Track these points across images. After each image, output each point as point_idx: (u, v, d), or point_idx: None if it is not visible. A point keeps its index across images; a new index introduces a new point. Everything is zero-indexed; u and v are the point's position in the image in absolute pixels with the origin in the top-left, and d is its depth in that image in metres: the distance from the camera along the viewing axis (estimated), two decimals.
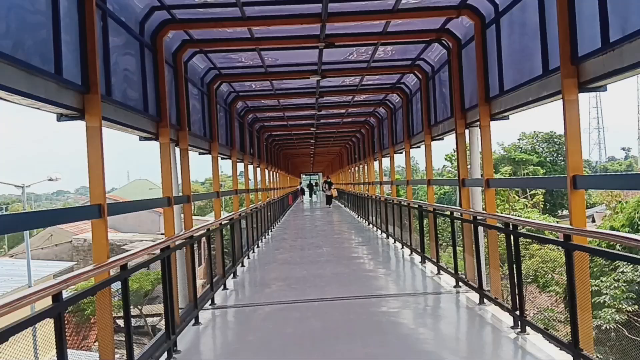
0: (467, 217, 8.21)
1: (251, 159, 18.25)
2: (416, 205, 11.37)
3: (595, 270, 20.10)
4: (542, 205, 44.54)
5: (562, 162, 63.72)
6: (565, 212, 54.39)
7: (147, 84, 7.58)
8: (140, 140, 7.98)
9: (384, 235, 15.75)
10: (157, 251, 5.66)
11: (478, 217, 7.73)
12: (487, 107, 8.30)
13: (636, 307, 16.06)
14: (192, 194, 9.44)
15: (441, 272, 9.44)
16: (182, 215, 8.99)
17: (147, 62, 7.72)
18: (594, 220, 54.70)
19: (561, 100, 5.63)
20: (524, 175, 49.55)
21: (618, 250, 8.34)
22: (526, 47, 6.95)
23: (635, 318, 15.90)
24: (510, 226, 5.97)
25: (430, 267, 10.15)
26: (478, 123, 8.73)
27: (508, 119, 8.20)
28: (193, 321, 6.90)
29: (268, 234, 18.13)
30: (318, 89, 13.98)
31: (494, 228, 6.94)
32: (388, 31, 9.44)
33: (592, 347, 4.73)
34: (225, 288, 9.21)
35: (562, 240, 4.84)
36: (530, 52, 6.77)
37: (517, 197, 37.74)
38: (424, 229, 10.69)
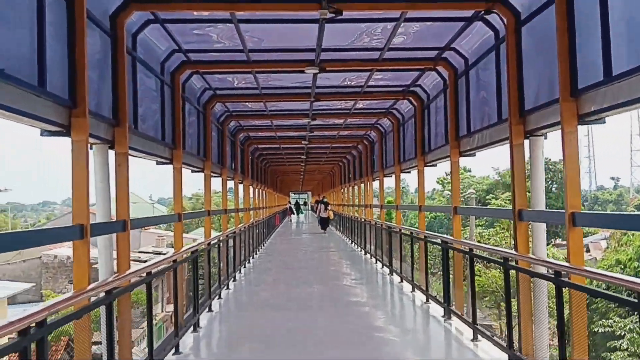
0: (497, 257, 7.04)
1: (241, 178, 18.14)
2: (439, 241, 9.14)
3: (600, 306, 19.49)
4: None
5: (556, 190, 64.06)
6: (559, 241, 54.47)
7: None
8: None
9: (386, 270, 13.51)
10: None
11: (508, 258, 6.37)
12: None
13: None
14: (183, 212, 9.36)
15: (480, 336, 6.91)
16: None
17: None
18: (588, 251, 54.41)
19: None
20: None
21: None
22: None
23: None
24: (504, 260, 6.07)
25: (457, 325, 7.78)
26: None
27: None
28: None
29: (249, 262, 15.93)
30: (311, 110, 13.98)
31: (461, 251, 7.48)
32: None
33: None
34: (177, 352, 6.61)
35: (552, 275, 4.90)
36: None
37: None
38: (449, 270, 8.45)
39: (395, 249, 12.70)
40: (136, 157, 7.67)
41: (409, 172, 14.20)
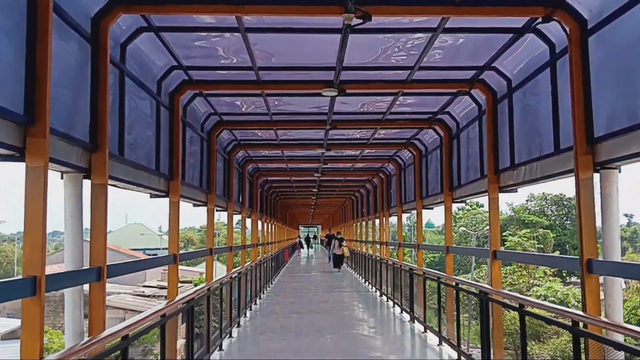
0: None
1: (249, 212, 17.01)
2: (475, 290, 7.92)
3: None
4: (563, 274, 43.20)
5: (571, 227, 62.58)
6: (574, 279, 52.69)
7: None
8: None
9: (405, 316, 12.36)
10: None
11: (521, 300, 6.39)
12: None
13: None
14: (180, 252, 8.14)
15: None
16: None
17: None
18: None
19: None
20: (535, 237, 47.97)
21: None
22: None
23: None
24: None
25: None
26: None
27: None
28: None
29: (256, 303, 14.72)
30: (326, 140, 13.03)
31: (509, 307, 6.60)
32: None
33: None
34: None
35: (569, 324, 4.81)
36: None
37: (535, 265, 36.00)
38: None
39: (417, 294, 11.64)
40: (123, 188, 6.60)
41: (432, 209, 13.37)
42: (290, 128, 11.88)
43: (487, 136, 8.29)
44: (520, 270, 37.55)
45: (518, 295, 6.83)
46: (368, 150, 14.94)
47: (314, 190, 25.20)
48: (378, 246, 20.39)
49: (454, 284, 9.11)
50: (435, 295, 10.03)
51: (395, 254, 17.89)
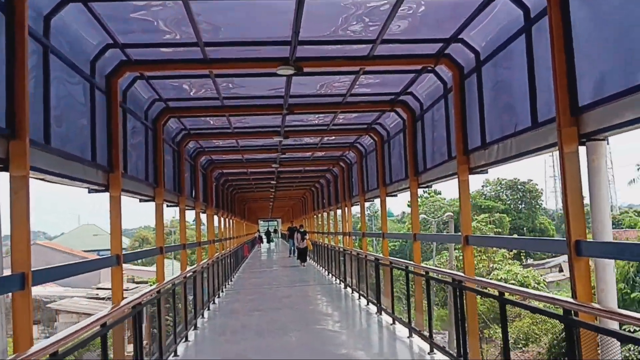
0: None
1: (204, 206, 16.19)
2: (448, 279, 7.35)
3: None
4: (522, 256, 43.67)
5: (526, 211, 63.70)
6: (530, 261, 53.43)
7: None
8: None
9: (372, 307, 11.81)
10: None
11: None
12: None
13: None
14: (124, 253, 7.40)
15: None
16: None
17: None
18: (561, 270, 53.63)
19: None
20: (492, 221, 48.38)
21: None
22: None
23: None
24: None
25: None
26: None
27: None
28: None
29: (214, 302, 13.93)
30: (283, 127, 12.33)
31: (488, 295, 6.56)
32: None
33: None
34: None
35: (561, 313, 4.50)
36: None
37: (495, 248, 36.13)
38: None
39: (384, 285, 11.17)
40: (51, 182, 5.84)
41: (396, 195, 13.08)
42: (244, 114, 11.03)
43: (454, 115, 7.76)
44: (479, 255, 37.63)
45: (497, 282, 6.31)
46: (327, 138, 14.33)
47: (272, 182, 24.30)
48: (340, 237, 19.88)
49: (423, 272, 8.61)
50: (402, 285, 9.67)
51: (357, 244, 17.45)
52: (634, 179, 48.63)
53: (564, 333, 4.74)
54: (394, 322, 10.09)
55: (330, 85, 9.43)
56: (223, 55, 7.32)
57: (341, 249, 17.40)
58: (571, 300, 4.57)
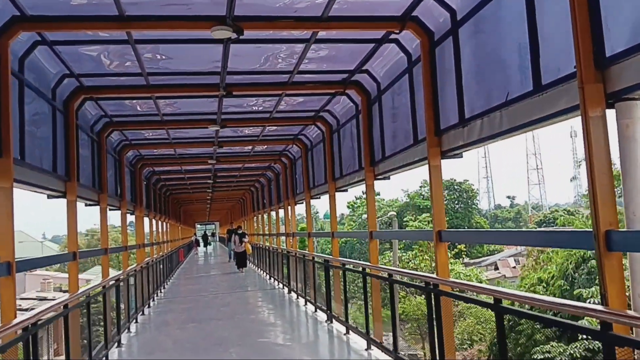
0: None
1: (132, 207, 14.66)
2: (421, 284, 6.19)
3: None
4: (463, 255, 43.67)
5: (462, 211, 64.66)
6: (466, 259, 53.76)
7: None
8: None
9: (321, 315, 10.62)
10: None
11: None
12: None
13: None
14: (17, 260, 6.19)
15: None
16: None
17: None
18: (497, 268, 54.25)
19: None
20: (429, 223, 48.25)
21: None
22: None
23: None
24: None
25: None
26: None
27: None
28: None
29: (144, 313, 12.22)
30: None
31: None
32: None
33: None
34: None
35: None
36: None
37: None
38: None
39: (335, 289, 10.24)
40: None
41: (346, 190, 11.98)
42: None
43: (424, 89, 6.65)
44: (421, 255, 37.12)
45: (490, 287, 5.11)
46: (270, 129, 13.12)
47: (209, 181, 22.67)
48: (283, 238, 18.59)
49: (385, 275, 7.41)
50: (355, 290, 8.47)
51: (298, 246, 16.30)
52: None
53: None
54: (347, 332, 8.82)
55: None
56: (144, 11, 5.94)
57: (285, 251, 15.98)
58: (602, 308, 3.46)
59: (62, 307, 6.12)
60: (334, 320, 9.67)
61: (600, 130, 3.73)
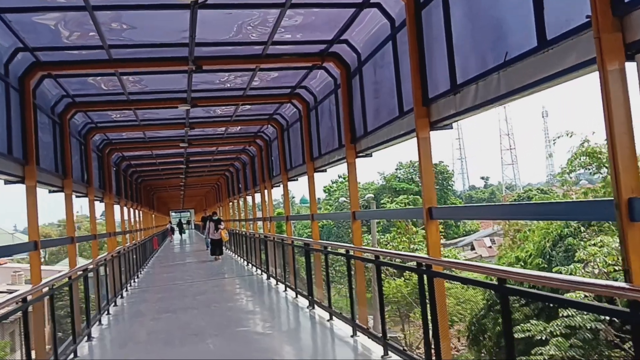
0: None
1: (100, 194, 14.12)
2: (413, 264, 5.94)
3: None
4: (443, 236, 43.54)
5: (438, 192, 64.79)
6: (442, 241, 53.92)
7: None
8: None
9: (302, 300, 10.11)
10: None
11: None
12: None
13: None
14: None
15: None
16: None
17: None
18: (473, 248, 54.42)
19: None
20: (407, 204, 48.15)
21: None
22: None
23: None
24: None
25: None
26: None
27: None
28: None
29: (116, 304, 11.67)
30: (188, 119, 12.28)
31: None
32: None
33: None
34: None
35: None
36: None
37: (415, 229, 35.29)
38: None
39: (315, 274, 9.78)
40: None
41: (296, 180, 12.66)
42: (148, 107, 11.37)
43: (410, 55, 6.13)
44: (399, 237, 36.84)
45: (495, 266, 4.64)
46: (243, 108, 12.50)
47: (182, 167, 21.90)
48: (260, 223, 18.14)
49: (372, 257, 6.97)
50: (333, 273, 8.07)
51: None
52: None
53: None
54: (331, 318, 8.37)
55: (231, 80, 9.86)
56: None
57: (262, 236, 15.51)
58: (628, 285, 3.06)
59: (20, 301, 5.58)
60: (316, 306, 9.25)
61: (619, 85, 3.30)
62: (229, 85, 10.45)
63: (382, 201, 52.64)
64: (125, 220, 19.65)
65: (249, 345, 7.53)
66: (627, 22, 3.29)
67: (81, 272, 8.73)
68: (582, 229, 20.24)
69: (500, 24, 4.67)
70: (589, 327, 13.47)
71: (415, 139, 6.10)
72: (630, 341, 12.41)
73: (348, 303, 7.63)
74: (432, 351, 5.02)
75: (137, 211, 24.43)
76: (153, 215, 35.54)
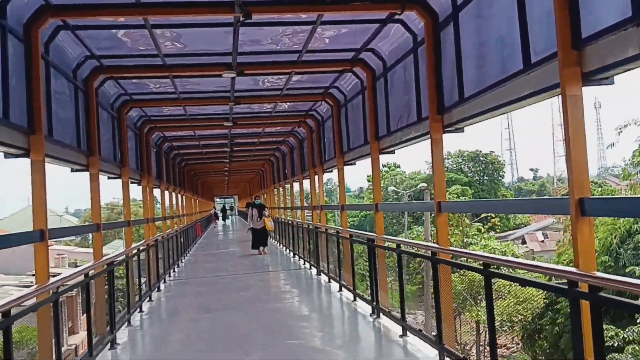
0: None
1: (167, 186, 16.66)
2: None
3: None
4: (497, 229, 42.22)
5: (488, 183, 63.09)
6: (491, 234, 52.88)
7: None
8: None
9: (362, 305, 8.93)
10: None
11: None
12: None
13: None
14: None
15: None
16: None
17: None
18: (524, 242, 52.69)
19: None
20: (458, 196, 47.68)
21: None
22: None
23: None
24: None
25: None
26: None
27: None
28: None
29: (151, 299, 10.69)
30: (233, 92, 11.42)
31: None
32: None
33: None
34: None
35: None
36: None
37: (468, 222, 34.84)
38: None
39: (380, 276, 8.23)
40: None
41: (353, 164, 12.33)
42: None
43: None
44: (451, 229, 35.52)
45: (482, 253, 5.33)
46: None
47: (226, 149, 21.26)
48: (308, 212, 17.29)
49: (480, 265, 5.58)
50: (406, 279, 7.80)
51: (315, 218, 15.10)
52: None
53: None
54: (404, 334, 6.78)
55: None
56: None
57: (312, 227, 14.27)
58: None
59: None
60: (382, 315, 7.80)
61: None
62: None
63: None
64: (172, 206, 20.27)
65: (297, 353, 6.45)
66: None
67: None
68: None
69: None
70: None
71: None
72: None
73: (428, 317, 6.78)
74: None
75: (182, 197, 24.59)
76: (197, 201, 35.23)
